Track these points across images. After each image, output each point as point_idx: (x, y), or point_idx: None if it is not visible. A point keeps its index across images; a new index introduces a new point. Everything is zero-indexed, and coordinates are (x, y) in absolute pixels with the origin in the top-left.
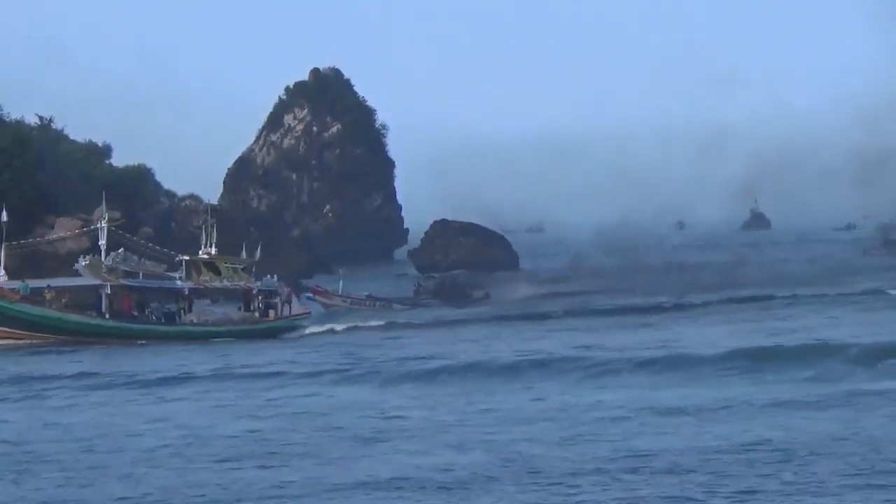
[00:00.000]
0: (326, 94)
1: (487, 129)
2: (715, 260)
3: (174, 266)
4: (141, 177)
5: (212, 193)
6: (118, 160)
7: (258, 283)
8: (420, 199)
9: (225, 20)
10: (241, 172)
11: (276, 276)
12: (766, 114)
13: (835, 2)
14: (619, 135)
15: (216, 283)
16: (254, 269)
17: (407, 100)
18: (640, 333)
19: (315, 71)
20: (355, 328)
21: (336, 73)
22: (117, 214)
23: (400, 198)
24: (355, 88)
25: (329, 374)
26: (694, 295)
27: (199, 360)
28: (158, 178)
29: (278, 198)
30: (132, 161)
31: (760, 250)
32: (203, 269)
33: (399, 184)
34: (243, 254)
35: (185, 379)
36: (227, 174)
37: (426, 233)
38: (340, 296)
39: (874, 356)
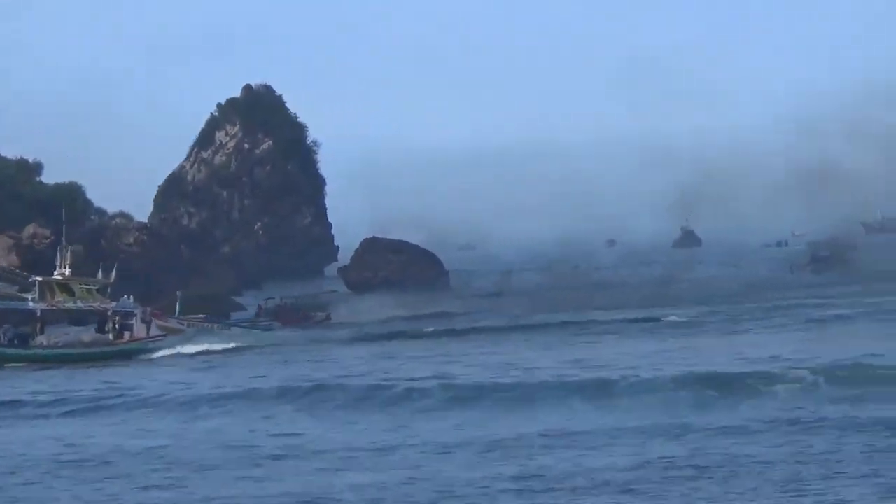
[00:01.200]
0: (258, 110)
1: (428, 144)
2: (635, 278)
3: (29, 287)
4: (71, 194)
5: (143, 211)
6: (49, 177)
7: (113, 305)
8: (354, 215)
9: (158, 37)
10: (172, 189)
11: (131, 297)
12: (709, 129)
13: (780, 21)
14: (561, 149)
15: (70, 304)
16: (108, 291)
17: (341, 115)
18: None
19: (247, 87)
20: (206, 352)
21: (268, 90)
22: (47, 232)
23: (333, 214)
24: (287, 105)
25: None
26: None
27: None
28: (90, 195)
29: (209, 215)
30: (63, 178)
31: (688, 268)
32: (57, 290)
33: (332, 200)
34: (99, 275)
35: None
36: (157, 191)
37: (356, 250)
38: (177, 318)
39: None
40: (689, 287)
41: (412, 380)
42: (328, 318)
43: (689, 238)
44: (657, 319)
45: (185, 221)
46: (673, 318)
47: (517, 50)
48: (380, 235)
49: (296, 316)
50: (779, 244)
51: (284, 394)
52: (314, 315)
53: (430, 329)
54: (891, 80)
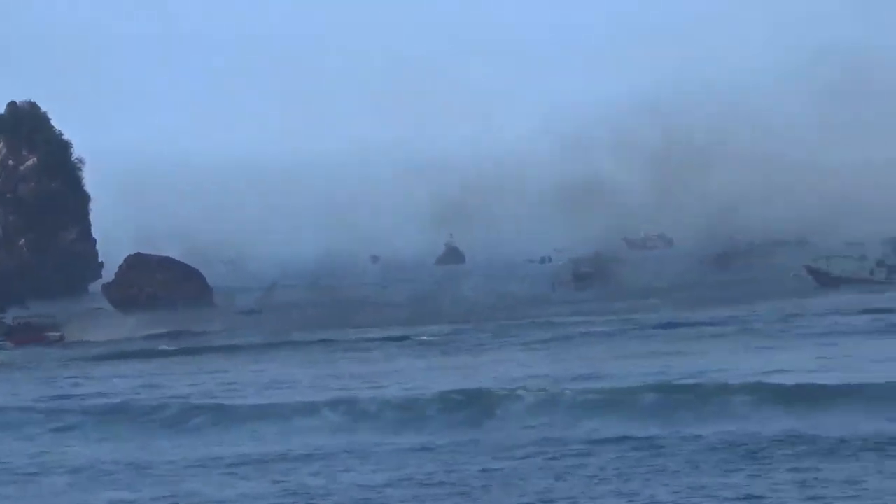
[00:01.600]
0: (23, 127)
1: (197, 158)
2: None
3: None
4: None
5: None
6: None
7: None
8: (122, 232)
9: None
10: None
11: None
12: (475, 142)
13: (545, 33)
14: (329, 162)
15: None
16: None
17: (112, 130)
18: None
19: (12, 104)
20: None
21: (33, 107)
22: None
23: (101, 230)
24: (52, 122)
25: None
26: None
27: None
28: None
29: None
30: None
31: (451, 285)
32: None
33: (101, 216)
34: None
35: None
36: None
37: (120, 266)
38: None
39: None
40: (450, 304)
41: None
42: (62, 338)
43: (452, 254)
44: (408, 338)
45: None
46: (424, 337)
47: (286, 60)
48: (146, 251)
49: (29, 335)
50: (542, 260)
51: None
52: (48, 335)
53: (175, 347)
54: (656, 96)
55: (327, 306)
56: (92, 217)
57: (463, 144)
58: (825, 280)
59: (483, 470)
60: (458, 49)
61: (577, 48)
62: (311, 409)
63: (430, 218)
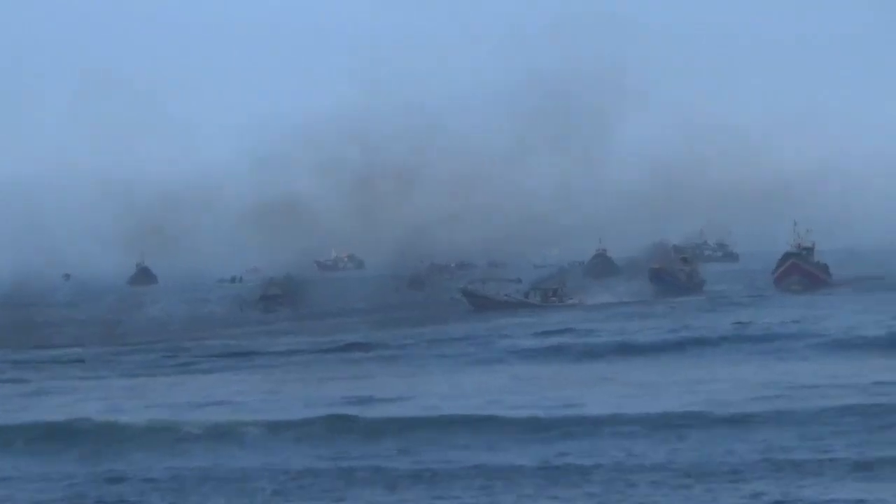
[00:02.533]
0: None
1: None
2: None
3: None
4: None
5: None
6: None
7: None
8: None
9: None
10: None
11: None
12: (172, 162)
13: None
14: (26, 184)
15: None
16: None
17: None
18: None
19: None
20: None
21: None
22: None
23: None
24: None
25: None
26: None
27: None
28: None
29: None
30: None
31: (138, 305)
32: None
33: None
34: None
35: None
36: None
37: None
38: None
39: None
40: (135, 325)
41: None
42: None
43: (144, 275)
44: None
45: None
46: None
47: None
48: None
49: None
50: (233, 280)
51: None
52: None
53: None
54: (358, 117)
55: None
56: None
57: (161, 164)
58: (481, 303)
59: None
60: (158, 66)
61: (279, 61)
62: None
63: (123, 239)
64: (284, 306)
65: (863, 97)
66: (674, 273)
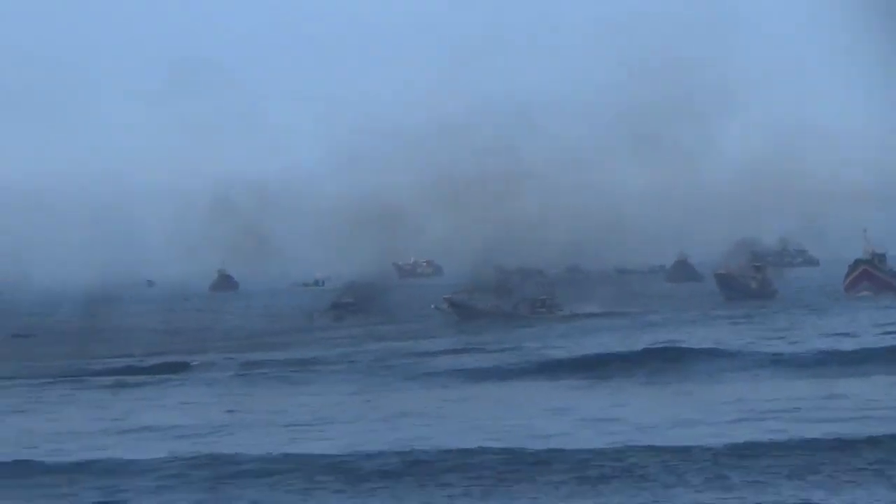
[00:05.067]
0: None
1: None
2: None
3: None
4: None
5: None
6: None
7: None
8: None
9: None
10: None
11: None
12: (264, 159)
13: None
14: (97, 185)
15: None
16: None
17: None
18: None
19: None
20: None
21: None
22: None
23: None
24: None
25: None
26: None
27: None
28: None
29: None
30: None
31: (217, 314)
32: None
33: None
34: None
35: None
36: None
37: None
38: None
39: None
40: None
41: None
42: None
43: (225, 281)
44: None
45: None
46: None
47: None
48: None
49: None
50: (315, 283)
51: None
52: None
53: None
54: (450, 119)
55: (104, 331)
56: None
57: (251, 164)
58: (467, 313)
59: None
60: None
61: (366, 58)
62: None
63: (209, 240)
64: (356, 314)
65: None
66: (743, 279)
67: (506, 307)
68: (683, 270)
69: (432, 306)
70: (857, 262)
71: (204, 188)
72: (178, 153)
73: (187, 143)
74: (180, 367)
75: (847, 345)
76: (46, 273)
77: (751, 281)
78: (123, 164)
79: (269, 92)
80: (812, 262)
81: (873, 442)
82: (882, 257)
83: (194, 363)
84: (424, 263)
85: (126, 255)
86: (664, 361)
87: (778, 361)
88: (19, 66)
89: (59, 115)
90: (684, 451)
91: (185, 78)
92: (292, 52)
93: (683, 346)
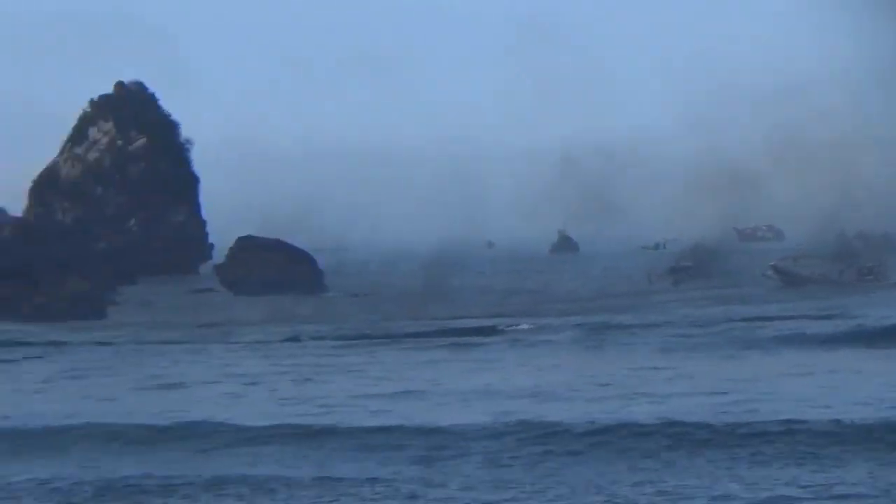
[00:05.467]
0: (131, 107)
1: (320, 141)
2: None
3: None
4: None
5: (16, 206)
6: None
7: None
8: (233, 213)
9: (26, 29)
10: (47, 185)
11: None
12: (609, 128)
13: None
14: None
15: None
16: None
17: (219, 113)
18: None
19: (119, 84)
20: None
21: (140, 87)
22: None
23: (210, 211)
24: (160, 103)
25: None
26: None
27: None
28: None
29: (84, 211)
30: None
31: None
32: None
33: (216, 199)
34: None
35: None
36: (32, 186)
37: (230, 249)
38: None
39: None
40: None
41: None
42: None
43: (565, 243)
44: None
45: (60, 217)
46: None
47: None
48: (260, 234)
49: None
50: (657, 246)
51: None
52: None
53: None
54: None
55: (440, 293)
56: (201, 199)
57: (594, 123)
58: (791, 280)
59: None
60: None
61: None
62: None
63: (554, 202)
64: (695, 278)
65: None
66: None
67: (832, 274)
68: None
69: (762, 273)
70: None
71: (551, 149)
72: (526, 113)
73: (535, 103)
74: (512, 330)
75: None
76: (393, 231)
77: None
78: (471, 125)
79: (617, 53)
80: None
81: None
82: None
83: (525, 326)
84: (765, 227)
85: (470, 216)
86: None
87: None
88: (368, 28)
89: (407, 78)
90: None
91: (533, 36)
92: (638, 7)
93: None
